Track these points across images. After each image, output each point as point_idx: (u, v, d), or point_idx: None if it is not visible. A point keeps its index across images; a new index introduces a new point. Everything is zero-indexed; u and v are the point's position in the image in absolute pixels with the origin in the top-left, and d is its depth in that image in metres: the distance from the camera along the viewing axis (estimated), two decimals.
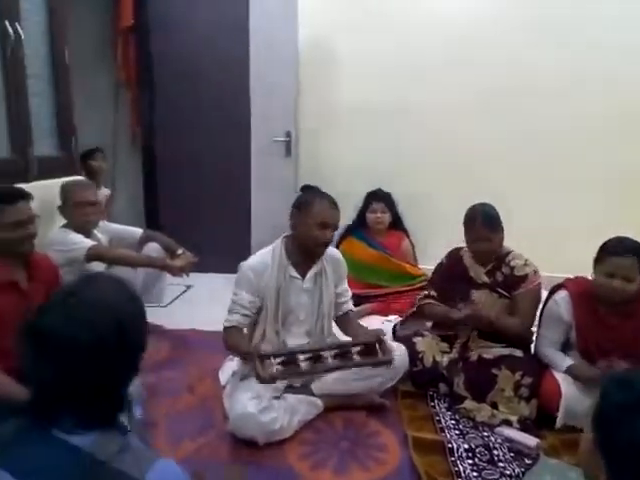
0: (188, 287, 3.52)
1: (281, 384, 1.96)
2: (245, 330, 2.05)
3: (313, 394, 2.01)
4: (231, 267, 3.71)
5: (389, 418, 2.03)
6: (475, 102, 3.52)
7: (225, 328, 1.98)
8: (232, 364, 2.16)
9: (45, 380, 0.80)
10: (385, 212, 3.27)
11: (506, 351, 2.11)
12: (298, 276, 2.02)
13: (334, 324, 2.19)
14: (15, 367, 1.82)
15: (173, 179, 3.96)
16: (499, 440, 1.87)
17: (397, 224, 3.36)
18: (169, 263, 2.66)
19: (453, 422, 2.00)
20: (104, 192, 3.56)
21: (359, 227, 3.32)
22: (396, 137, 3.65)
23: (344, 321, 2.19)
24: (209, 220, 3.91)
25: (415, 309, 2.37)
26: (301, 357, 1.86)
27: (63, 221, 2.55)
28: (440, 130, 3.58)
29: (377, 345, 1.92)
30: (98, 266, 2.50)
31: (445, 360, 2.17)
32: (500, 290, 2.17)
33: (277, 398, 1.92)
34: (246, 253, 3.62)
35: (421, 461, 1.72)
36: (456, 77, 3.51)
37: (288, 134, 3.52)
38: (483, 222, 2.11)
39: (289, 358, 1.85)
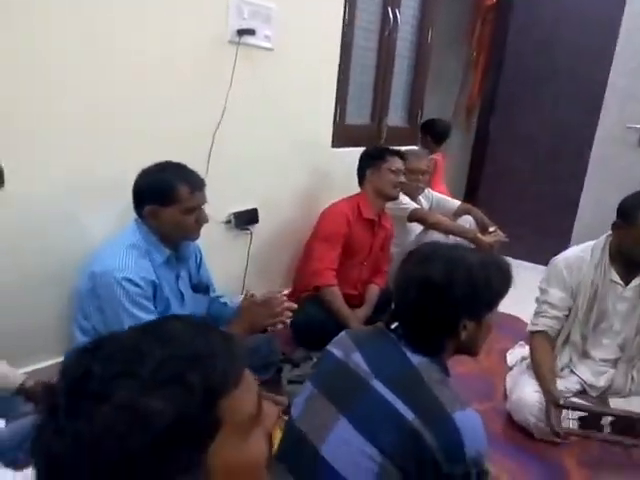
0: None
1: (568, 391, 1.84)
2: (551, 344, 1.84)
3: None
4: (541, 259, 3.52)
5: None
6: None
7: (531, 333, 1.88)
8: (523, 350, 2.14)
9: (407, 300, 1.01)
10: None
11: None
12: (620, 281, 1.79)
13: None
14: (352, 295, 2.31)
15: (501, 157, 3.94)
16: None
17: None
18: (479, 237, 2.73)
19: None
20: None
21: None
22: None
23: None
24: (529, 205, 3.77)
25: None
26: (606, 419, 1.64)
27: None
28: None
29: None
30: (417, 227, 2.80)
31: None
32: None
33: None
34: (563, 248, 3.36)
35: None
36: None
37: None
38: None
39: (591, 417, 1.65)
